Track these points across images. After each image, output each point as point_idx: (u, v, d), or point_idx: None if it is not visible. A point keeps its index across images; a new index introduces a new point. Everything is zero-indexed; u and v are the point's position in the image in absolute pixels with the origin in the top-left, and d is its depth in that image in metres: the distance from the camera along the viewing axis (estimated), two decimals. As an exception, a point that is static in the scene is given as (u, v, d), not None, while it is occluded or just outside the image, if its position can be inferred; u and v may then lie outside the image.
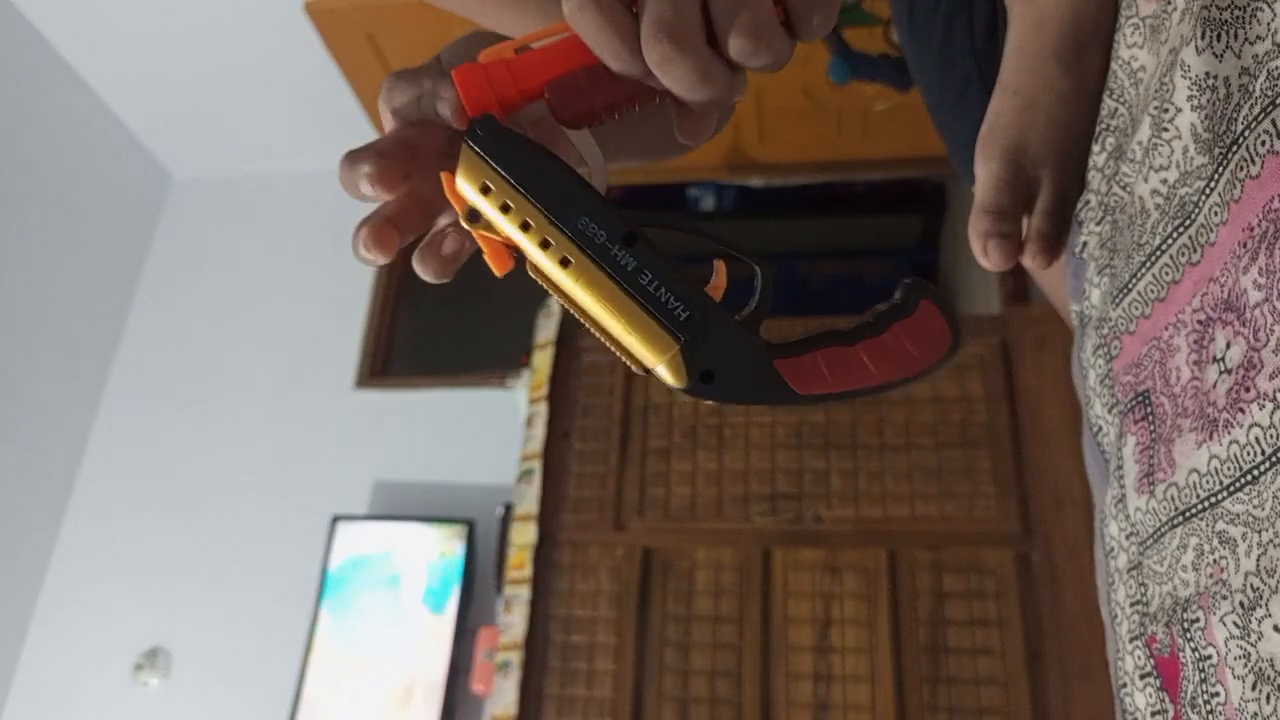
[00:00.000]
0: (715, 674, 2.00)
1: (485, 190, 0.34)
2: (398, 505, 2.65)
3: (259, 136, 3.19)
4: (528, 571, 2.09)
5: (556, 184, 0.34)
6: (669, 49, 0.32)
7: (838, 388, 0.34)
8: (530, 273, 0.35)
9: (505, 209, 0.34)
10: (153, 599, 2.68)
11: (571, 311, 0.34)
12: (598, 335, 0.34)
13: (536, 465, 2.21)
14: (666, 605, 2.07)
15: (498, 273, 0.35)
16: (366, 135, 3.04)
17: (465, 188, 0.34)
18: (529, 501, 2.18)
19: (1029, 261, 0.53)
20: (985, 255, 0.52)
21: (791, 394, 0.34)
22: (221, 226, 3.29)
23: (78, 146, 2.97)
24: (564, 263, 0.33)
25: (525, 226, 0.33)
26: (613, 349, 0.34)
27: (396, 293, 3.13)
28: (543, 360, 2.33)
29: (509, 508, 2.28)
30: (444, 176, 0.35)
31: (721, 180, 3.55)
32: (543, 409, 2.26)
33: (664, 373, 0.34)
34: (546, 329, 2.37)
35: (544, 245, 0.33)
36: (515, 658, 2.02)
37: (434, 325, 4.18)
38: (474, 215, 0.34)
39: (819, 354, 0.34)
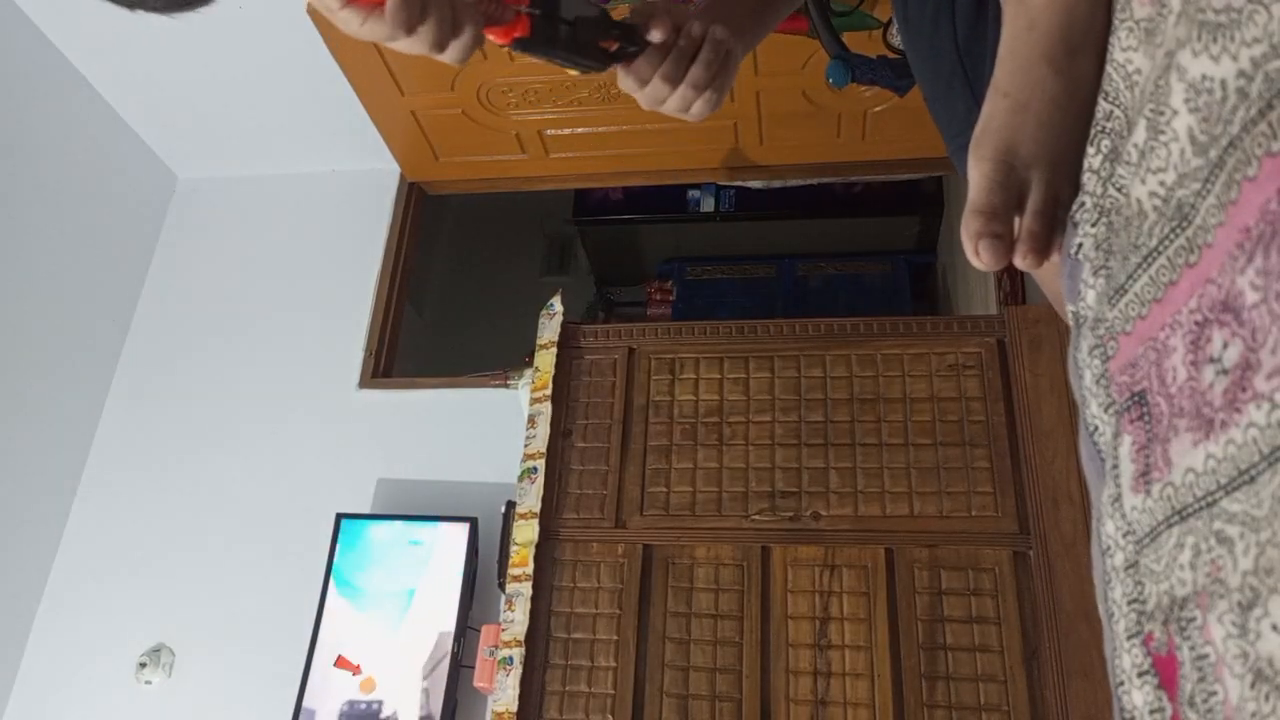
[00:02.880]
0: (715, 670, 2.00)
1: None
2: (401, 503, 2.65)
3: (263, 137, 3.19)
4: (529, 569, 2.10)
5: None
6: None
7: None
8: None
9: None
10: (156, 597, 2.68)
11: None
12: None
13: (538, 464, 2.21)
14: (667, 602, 2.08)
15: (502, 41, 0.64)
16: (370, 136, 3.05)
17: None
18: (531, 499, 2.18)
19: (1020, 261, 0.53)
20: (977, 255, 0.53)
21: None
22: (226, 227, 3.29)
23: (83, 148, 2.97)
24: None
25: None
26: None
27: (400, 293, 3.13)
28: (545, 360, 2.33)
29: (511, 505, 2.28)
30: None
31: (721, 182, 3.56)
32: (546, 409, 2.26)
33: (576, 74, 0.72)
34: (549, 329, 2.37)
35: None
36: (517, 654, 2.02)
37: (437, 325, 4.18)
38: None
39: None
